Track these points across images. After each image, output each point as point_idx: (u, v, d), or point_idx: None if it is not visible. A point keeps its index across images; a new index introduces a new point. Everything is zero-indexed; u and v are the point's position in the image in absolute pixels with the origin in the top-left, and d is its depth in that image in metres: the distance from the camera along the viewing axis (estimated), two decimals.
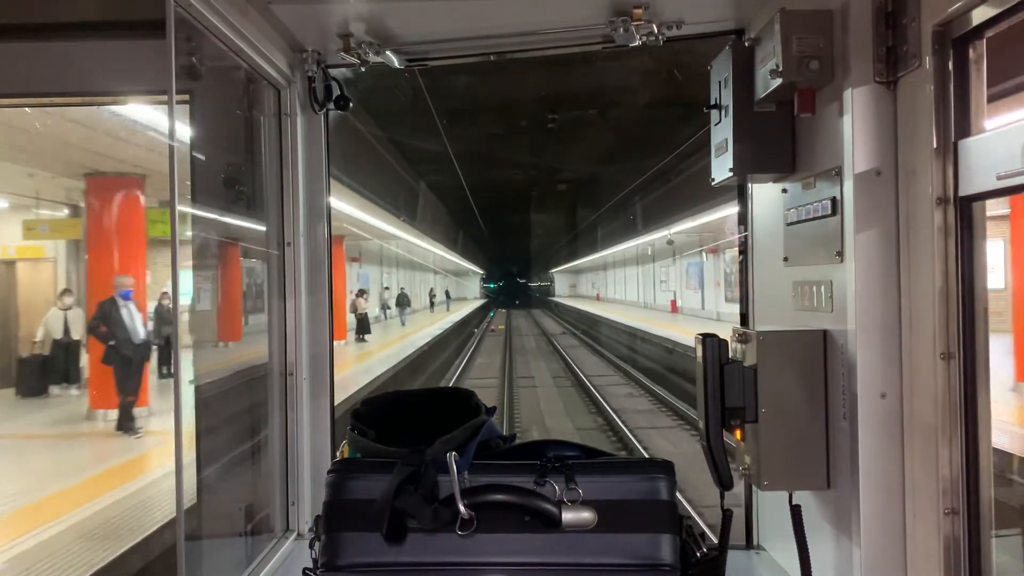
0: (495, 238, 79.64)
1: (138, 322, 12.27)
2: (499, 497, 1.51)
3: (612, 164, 30.10)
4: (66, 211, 17.15)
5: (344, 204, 16.15)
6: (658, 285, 42.70)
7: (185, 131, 2.47)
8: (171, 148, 1.99)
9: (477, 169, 31.65)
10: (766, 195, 2.39)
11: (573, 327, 50.76)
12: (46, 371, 15.06)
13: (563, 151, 28.33)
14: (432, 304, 51.87)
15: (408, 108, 18.86)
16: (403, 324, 34.39)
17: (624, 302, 53.03)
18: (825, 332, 1.98)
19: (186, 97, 2.34)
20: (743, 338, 2.05)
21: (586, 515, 1.51)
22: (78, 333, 14.78)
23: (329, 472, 1.60)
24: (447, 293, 62.54)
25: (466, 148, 25.00)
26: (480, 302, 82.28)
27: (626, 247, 44.99)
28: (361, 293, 27.36)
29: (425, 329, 30.82)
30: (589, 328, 44.63)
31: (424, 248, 40.98)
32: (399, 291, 38.23)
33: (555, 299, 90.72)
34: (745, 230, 2.59)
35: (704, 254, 32.80)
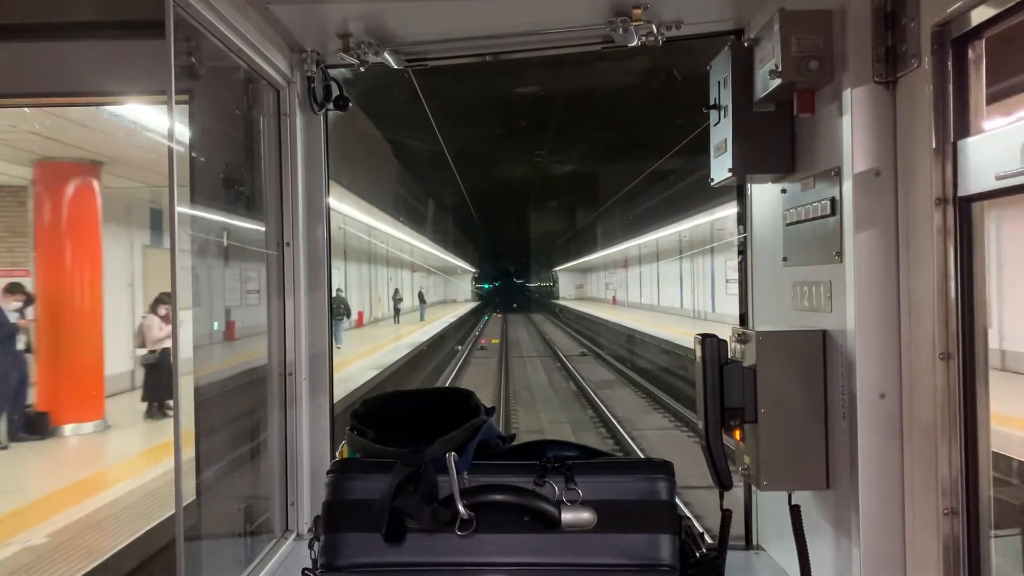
0: (489, 232, 71.19)
1: None
2: (498, 497, 1.51)
3: (638, 137, 21.72)
4: None
5: None
6: (722, 286, 27.51)
7: (184, 131, 2.47)
8: (170, 148, 1.99)
9: (468, 156, 24.19)
10: (765, 195, 2.39)
11: (593, 343, 34.51)
12: None
13: (571, 122, 20.78)
14: (398, 312, 35.78)
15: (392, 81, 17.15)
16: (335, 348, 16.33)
17: (657, 308, 38.55)
18: (824, 332, 1.98)
19: (185, 97, 2.34)
20: (742, 338, 2.05)
21: (585, 515, 1.51)
22: None
23: (328, 472, 1.61)
24: (420, 297, 43.84)
25: (457, 139, 20.94)
26: (471, 305, 71.40)
27: (659, 236, 33.97)
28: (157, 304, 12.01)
29: (363, 360, 17.65)
30: (621, 348, 29.20)
31: (388, 233, 30.32)
32: (335, 294, 19.93)
33: (559, 302, 78.15)
34: (744, 230, 2.60)
35: None
